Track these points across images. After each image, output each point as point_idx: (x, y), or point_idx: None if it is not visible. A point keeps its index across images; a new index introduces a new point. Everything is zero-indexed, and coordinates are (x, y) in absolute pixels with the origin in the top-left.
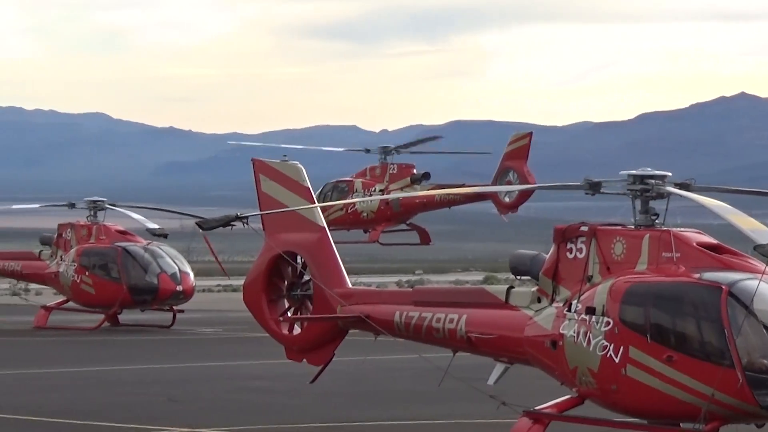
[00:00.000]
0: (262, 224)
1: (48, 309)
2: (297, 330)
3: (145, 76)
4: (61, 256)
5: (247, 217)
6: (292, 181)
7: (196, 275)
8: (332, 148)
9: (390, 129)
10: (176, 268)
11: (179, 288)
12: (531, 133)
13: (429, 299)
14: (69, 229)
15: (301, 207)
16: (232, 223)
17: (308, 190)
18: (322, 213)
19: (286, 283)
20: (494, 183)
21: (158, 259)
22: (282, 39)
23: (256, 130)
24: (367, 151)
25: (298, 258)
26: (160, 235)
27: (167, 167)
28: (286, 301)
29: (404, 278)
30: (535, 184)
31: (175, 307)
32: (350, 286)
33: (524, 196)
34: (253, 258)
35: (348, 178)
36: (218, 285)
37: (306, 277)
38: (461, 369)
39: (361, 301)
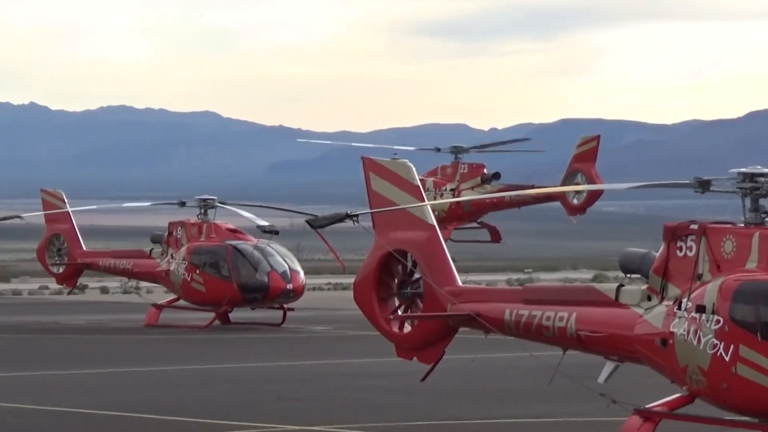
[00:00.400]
0: (372, 222)
1: (159, 307)
2: (407, 328)
3: (255, 75)
4: (171, 255)
5: (357, 215)
6: (402, 179)
7: (305, 273)
8: (405, 147)
9: (499, 127)
10: (286, 266)
11: (289, 286)
12: (599, 136)
13: (539, 297)
14: (180, 228)
15: (412, 205)
16: (343, 220)
17: (418, 188)
18: None
19: (396, 281)
20: (562, 185)
21: (268, 257)
22: (392, 37)
23: (365, 129)
24: (438, 150)
25: (409, 256)
26: (271, 232)
27: (277, 166)
28: (396, 299)
29: (514, 276)
30: (602, 185)
31: (285, 306)
32: (460, 284)
33: (593, 198)
34: (364, 256)
35: (420, 177)
36: (328, 283)
37: (416, 275)
38: (571, 367)
39: (471, 299)
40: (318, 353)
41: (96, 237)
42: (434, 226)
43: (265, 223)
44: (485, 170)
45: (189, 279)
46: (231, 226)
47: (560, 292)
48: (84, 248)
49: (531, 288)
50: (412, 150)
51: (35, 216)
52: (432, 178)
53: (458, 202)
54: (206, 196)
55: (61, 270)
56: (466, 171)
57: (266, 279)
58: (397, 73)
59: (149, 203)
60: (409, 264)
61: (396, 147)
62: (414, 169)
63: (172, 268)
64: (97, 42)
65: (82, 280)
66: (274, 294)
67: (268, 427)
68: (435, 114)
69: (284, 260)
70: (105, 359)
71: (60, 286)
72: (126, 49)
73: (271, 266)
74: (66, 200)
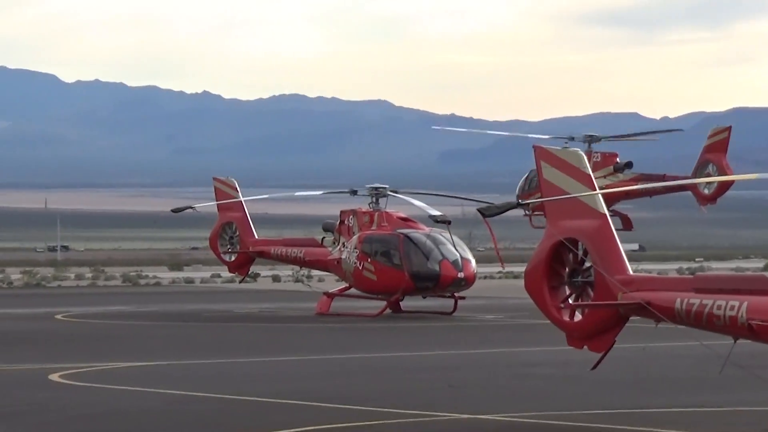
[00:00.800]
0: (544, 211)
1: (330, 295)
2: (578, 317)
3: (427, 64)
4: (343, 243)
5: (528, 204)
6: (573, 168)
7: (477, 262)
8: (538, 135)
9: (671, 116)
10: (458, 255)
11: (461, 275)
12: (730, 127)
13: (710, 286)
14: (351, 216)
15: (583, 194)
16: (514, 209)
17: (589, 177)
18: (527, 199)
19: (567, 269)
20: (694, 175)
21: (440, 246)
22: (561, 26)
23: (537, 118)
24: (572, 138)
25: (580, 245)
26: (443, 221)
27: (449, 154)
28: (567, 287)
29: (685, 266)
30: (733, 175)
31: (456, 294)
32: (631, 273)
33: (723, 188)
34: (535, 245)
35: None
36: (499, 272)
37: (587, 264)
38: (742, 356)
39: (642, 288)
40: (489, 342)
41: (268, 225)
42: (605, 214)
43: (438, 213)
44: (618, 159)
45: (360, 267)
46: (402, 214)
47: (732, 281)
48: (256, 236)
49: (702, 277)
50: (546, 138)
51: (208, 205)
52: None
53: None
54: (378, 185)
55: (233, 258)
56: (599, 160)
57: (437, 268)
58: (567, 62)
59: (321, 192)
60: (580, 253)
61: (530, 135)
62: (585, 158)
63: (343, 257)
64: (269, 32)
65: (254, 269)
66: (445, 283)
67: (438, 416)
68: (606, 103)
69: (456, 249)
70: (276, 348)
71: (232, 275)
72: (298, 38)
73: (443, 255)
74: (238, 189)
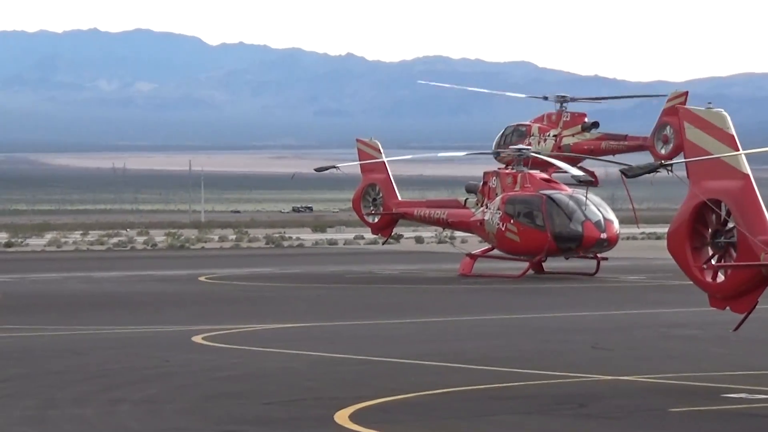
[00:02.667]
0: (687, 172)
1: (473, 257)
2: (720, 277)
3: (572, 23)
4: (486, 204)
5: (671, 165)
6: (716, 129)
7: (621, 222)
8: (516, 94)
9: None
10: (600, 216)
11: (603, 236)
12: (687, 92)
13: None
14: (494, 177)
15: (726, 154)
16: (657, 170)
17: (733, 138)
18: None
19: (710, 230)
20: (652, 136)
21: (582, 206)
22: None
23: (681, 78)
24: (545, 98)
25: (723, 205)
26: (585, 182)
27: (593, 115)
28: (709, 248)
29: None
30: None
31: (599, 255)
32: None
33: (678, 149)
34: (678, 206)
35: (527, 123)
36: (642, 233)
37: (730, 225)
38: None
39: None
40: (631, 303)
41: (411, 186)
42: (749, 175)
43: (581, 173)
44: (586, 119)
45: (503, 229)
46: (545, 175)
47: None
48: (399, 198)
49: None
50: (522, 97)
51: (351, 166)
52: (538, 125)
53: (559, 147)
54: (521, 146)
55: (376, 220)
56: (568, 119)
57: (580, 228)
58: (710, 22)
59: (464, 153)
60: (723, 213)
61: (508, 93)
62: (729, 118)
63: (486, 218)
64: None
65: (397, 230)
66: (588, 243)
67: (580, 377)
68: (750, 63)
69: (598, 210)
70: (419, 309)
71: (375, 236)
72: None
73: (586, 216)
74: (381, 150)
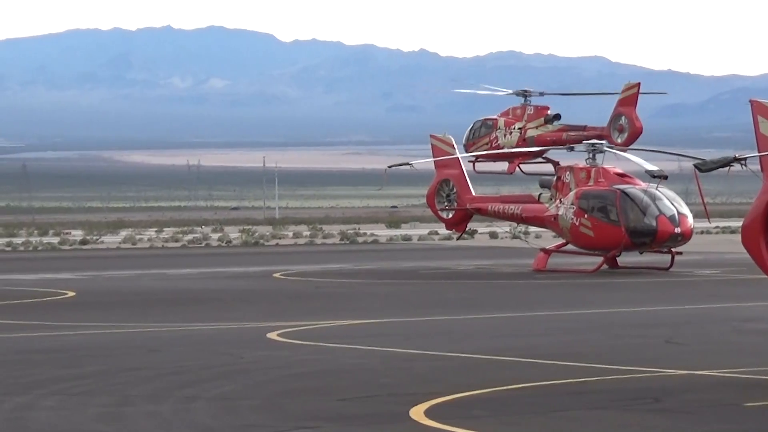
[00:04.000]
0: (761, 165)
1: (547, 252)
2: None
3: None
4: (560, 199)
5: (745, 159)
6: None
7: (694, 217)
8: (506, 90)
9: None
10: (674, 210)
11: (677, 230)
12: (639, 83)
13: None
14: (568, 172)
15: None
16: (731, 164)
17: None
18: (471, 147)
19: None
20: (608, 126)
21: (656, 201)
22: None
23: (756, 72)
24: (516, 93)
25: None
26: (659, 176)
27: (666, 109)
28: None
29: None
30: (641, 128)
31: (673, 249)
32: None
33: (632, 137)
34: (752, 200)
35: (494, 117)
36: (716, 227)
37: None
38: None
39: None
40: (706, 297)
41: (485, 182)
42: None
43: (654, 168)
44: (548, 112)
45: (577, 223)
46: (619, 170)
47: None
48: (473, 193)
49: None
50: (502, 94)
51: (425, 162)
52: (503, 118)
53: (524, 140)
54: (595, 141)
55: (450, 215)
56: (532, 112)
57: (654, 223)
58: None
59: (538, 148)
60: None
61: (480, 93)
62: None
63: (560, 213)
64: None
65: (471, 225)
66: (662, 238)
67: (655, 371)
68: None
69: (672, 204)
70: (493, 304)
71: (449, 232)
72: None
73: (660, 210)
74: (455, 145)
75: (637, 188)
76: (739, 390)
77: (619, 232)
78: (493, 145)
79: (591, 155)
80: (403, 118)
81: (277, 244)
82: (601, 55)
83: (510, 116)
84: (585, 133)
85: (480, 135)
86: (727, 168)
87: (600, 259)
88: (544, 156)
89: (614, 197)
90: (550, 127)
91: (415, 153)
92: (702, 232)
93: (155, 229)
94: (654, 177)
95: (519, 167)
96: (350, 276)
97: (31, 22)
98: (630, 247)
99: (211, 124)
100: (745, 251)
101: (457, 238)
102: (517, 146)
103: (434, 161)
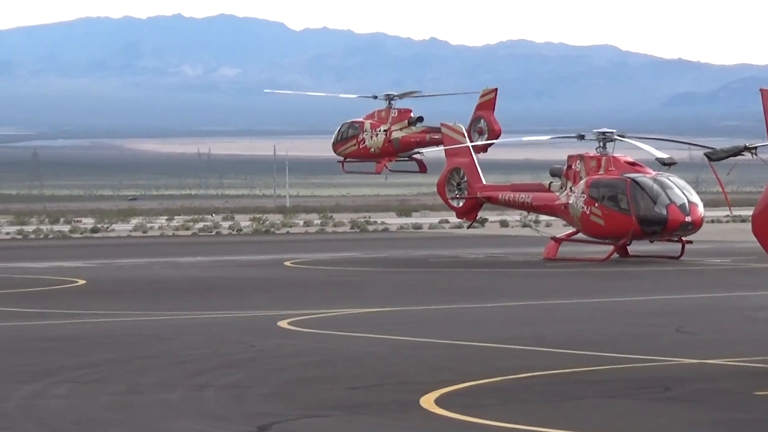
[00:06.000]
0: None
1: (558, 240)
2: None
3: (655, 5)
4: (570, 188)
5: (755, 148)
6: None
7: (708, 206)
8: (347, 95)
9: None
10: (685, 199)
11: (688, 219)
12: (496, 89)
13: None
14: (578, 161)
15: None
16: (741, 153)
17: None
18: (339, 148)
19: None
20: (468, 129)
21: (667, 189)
22: None
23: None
24: (375, 97)
25: None
26: (669, 164)
27: (676, 98)
28: None
29: None
30: (500, 131)
31: (683, 238)
32: None
33: (491, 139)
34: (762, 188)
35: (360, 119)
36: (726, 216)
37: None
38: None
39: None
40: (716, 286)
41: (495, 170)
42: None
43: (664, 155)
44: (411, 114)
45: (588, 212)
46: (629, 158)
47: None
48: (483, 182)
49: None
50: (353, 97)
51: (435, 150)
52: (370, 121)
53: (389, 141)
54: (605, 129)
55: (460, 204)
56: (396, 115)
57: (665, 212)
58: None
59: (548, 137)
60: None
61: (342, 95)
62: None
63: (570, 202)
64: None
65: (481, 214)
66: (672, 226)
67: (665, 360)
68: None
69: (683, 192)
70: (503, 293)
71: (460, 220)
72: None
73: (670, 199)
74: (466, 134)
75: (648, 177)
76: (750, 379)
77: (630, 220)
78: (360, 147)
79: (601, 144)
80: (414, 107)
81: (287, 233)
82: (612, 43)
83: (375, 119)
84: None
85: (347, 136)
86: (738, 156)
87: (610, 248)
88: (408, 155)
89: (625, 186)
90: (413, 129)
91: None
92: (712, 221)
93: (166, 217)
94: (663, 164)
95: (386, 166)
96: (361, 264)
97: (42, 10)
98: (640, 235)
99: (222, 113)
100: (755, 240)
101: (468, 227)
102: (383, 148)
103: (444, 150)
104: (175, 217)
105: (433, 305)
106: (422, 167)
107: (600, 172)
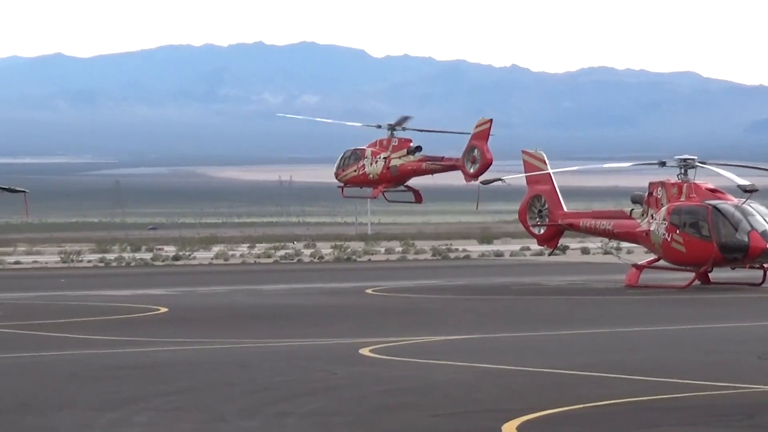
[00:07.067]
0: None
1: (639, 267)
2: None
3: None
4: (651, 215)
5: None
6: None
7: None
8: (354, 123)
9: None
10: (766, 225)
11: None
12: (491, 120)
13: None
14: (660, 188)
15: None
16: None
17: None
18: (340, 174)
19: None
20: (462, 158)
21: (748, 216)
22: None
23: None
24: (379, 126)
25: None
26: (751, 191)
27: (758, 125)
28: None
29: None
30: (491, 160)
31: (765, 265)
32: None
33: (483, 168)
34: None
35: (362, 147)
36: None
37: None
38: None
39: None
40: None
41: (577, 198)
42: None
43: (745, 182)
44: (411, 144)
45: (669, 239)
46: (711, 185)
47: None
48: (565, 209)
49: None
50: (359, 126)
51: (517, 178)
52: (371, 148)
53: (388, 168)
54: (686, 156)
55: (542, 231)
56: (396, 144)
57: (746, 238)
58: None
59: (629, 164)
60: None
61: (348, 123)
62: None
63: (652, 229)
64: (575, 5)
65: (562, 241)
66: (754, 253)
67: (748, 388)
68: None
69: (765, 219)
70: (585, 320)
71: (541, 247)
72: (604, 12)
73: (752, 225)
74: (547, 161)
75: (729, 203)
76: None
77: (711, 247)
78: (360, 173)
79: (683, 170)
80: (496, 134)
81: (369, 260)
82: (693, 70)
83: (377, 147)
84: (442, 163)
85: (349, 163)
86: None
87: (692, 275)
88: (405, 185)
89: (706, 213)
90: (411, 157)
91: (508, 169)
92: None
93: (247, 244)
94: (745, 191)
95: (383, 193)
96: (442, 291)
97: (125, 38)
98: (722, 262)
99: (303, 140)
100: None
101: (549, 254)
102: (381, 174)
103: (526, 177)
104: (257, 244)
105: (515, 332)
106: (418, 197)
107: (681, 199)
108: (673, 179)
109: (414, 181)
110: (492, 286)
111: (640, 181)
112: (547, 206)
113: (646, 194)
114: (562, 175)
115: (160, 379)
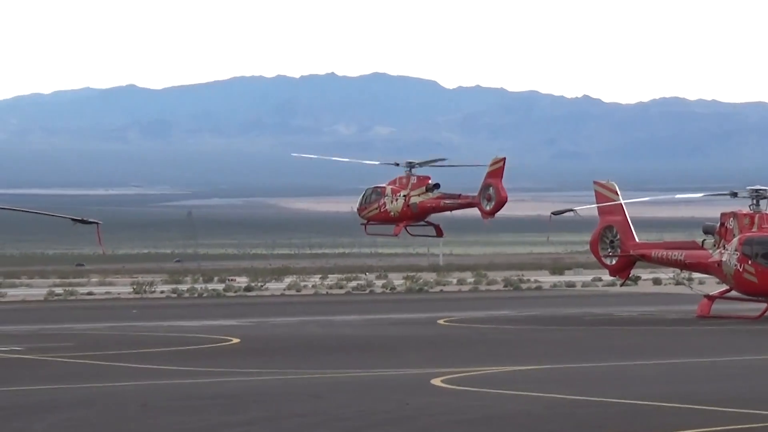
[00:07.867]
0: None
1: (711, 298)
2: None
3: None
4: (723, 245)
5: None
6: None
7: None
8: (370, 161)
9: None
10: None
11: None
12: (505, 158)
13: None
14: (731, 218)
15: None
16: None
17: None
18: (363, 211)
19: None
20: (478, 195)
21: None
22: None
23: None
24: (397, 164)
25: None
26: None
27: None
28: None
29: None
30: (506, 198)
31: None
32: None
33: (498, 206)
34: None
35: (383, 185)
36: None
37: None
38: None
39: None
40: None
41: (648, 228)
42: None
43: None
44: (429, 181)
45: (741, 270)
46: None
47: None
48: (636, 240)
49: None
50: (377, 164)
51: (588, 208)
52: (391, 186)
53: (408, 205)
54: (758, 187)
55: (613, 262)
56: (415, 181)
57: None
58: None
59: (701, 194)
60: None
61: (363, 162)
62: None
63: (723, 259)
64: (642, 35)
65: (634, 271)
66: None
67: None
68: None
69: None
70: (657, 350)
71: (613, 278)
72: (670, 41)
73: None
74: (619, 192)
75: None
76: None
77: None
78: (382, 210)
79: (755, 201)
80: (567, 165)
81: (441, 291)
82: (764, 101)
83: (396, 185)
84: (459, 200)
85: (371, 201)
86: None
87: (764, 305)
88: (425, 220)
89: None
90: (430, 194)
91: (580, 199)
92: None
93: (320, 275)
94: None
95: (405, 229)
96: (514, 322)
97: (197, 70)
98: None
99: (376, 171)
100: None
101: (621, 285)
102: (402, 212)
103: (598, 207)
104: (329, 275)
105: (587, 363)
106: (439, 232)
107: (753, 230)
108: (745, 210)
109: (471, 212)
110: (564, 316)
111: (711, 212)
112: (618, 237)
113: (718, 225)
114: (633, 205)
115: (232, 410)
